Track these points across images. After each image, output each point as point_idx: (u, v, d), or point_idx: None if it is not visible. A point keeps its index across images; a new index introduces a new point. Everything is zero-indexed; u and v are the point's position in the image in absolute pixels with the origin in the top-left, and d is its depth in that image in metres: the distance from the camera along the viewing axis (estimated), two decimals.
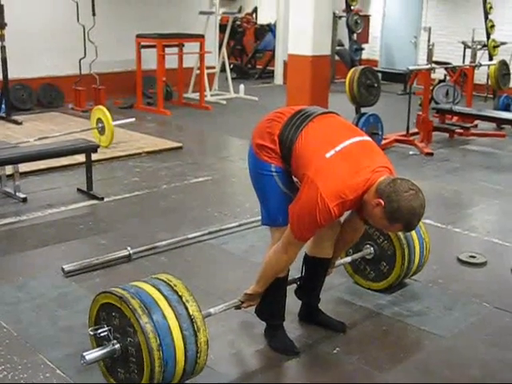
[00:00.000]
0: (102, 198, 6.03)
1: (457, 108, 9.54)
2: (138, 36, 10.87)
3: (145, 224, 5.46)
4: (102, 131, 7.86)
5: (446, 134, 9.40)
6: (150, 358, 2.77)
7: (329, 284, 3.84)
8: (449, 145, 9.02)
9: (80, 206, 5.89)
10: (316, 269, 3.67)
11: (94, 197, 6.06)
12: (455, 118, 9.84)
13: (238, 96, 12.54)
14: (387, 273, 4.14)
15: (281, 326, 3.56)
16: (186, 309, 2.90)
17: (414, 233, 4.06)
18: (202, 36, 11.43)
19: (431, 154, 8.21)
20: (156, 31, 10.97)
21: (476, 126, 9.85)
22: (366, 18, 14.94)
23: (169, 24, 11.92)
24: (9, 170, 6.07)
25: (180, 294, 2.95)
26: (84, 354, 2.90)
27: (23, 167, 6.28)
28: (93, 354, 2.94)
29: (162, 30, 11.16)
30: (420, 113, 8.98)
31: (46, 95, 10.96)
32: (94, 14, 10.22)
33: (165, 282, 3.03)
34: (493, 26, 11.64)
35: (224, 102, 11.94)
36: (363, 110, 8.11)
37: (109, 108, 8.31)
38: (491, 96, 12.02)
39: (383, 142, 8.30)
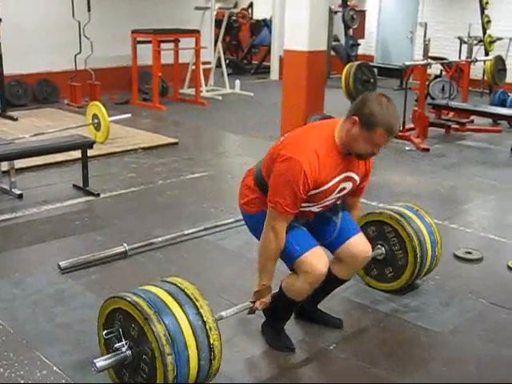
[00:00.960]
0: (98, 194, 6.02)
1: (453, 103, 9.55)
2: (134, 31, 10.84)
3: (141, 220, 5.46)
4: (97, 127, 7.84)
5: (442, 130, 9.41)
6: (164, 377, 2.73)
7: None
8: (445, 140, 9.03)
9: (76, 202, 5.89)
10: (330, 286, 3.62)
11: (89, 193, 6.05)
12: (451, 114, 9.84)
13: (234, 91, 12.52)
14: (389, 279, 4.12)
15: (280, 327, 3.57)
16: (200, 315, 2.86)
17: (427, 236, 4.03)
18: (198, 31, 11.41)
19: (427, 150, 8.21)
20: (151, 27, 10.94)
21: (472, 121, 9.86)
22: (362, 13, 14.95)
23: (164, 19, 11.90)
24: (4, 166, 6.06)
25: (193, 298, 2.90)
26: (95, 361, 2.85)
27: (19, 163, 6.27)
28: (103, 361, 2.88)
29: (157, 26, 11.13)
30: (416, 108, 8.99)
31: (42, 91, 10.94)
32: (89, 10, 10.20)
33: (177, 285, 2.97)
34: (489, 22, 11.66)
35: (220, 98, 11.93)
36: None
37: (104, 104, 8.30)
38: (487, 91, 12.03)
39: None
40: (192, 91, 11.71)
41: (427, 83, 10.82)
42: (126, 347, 2.89)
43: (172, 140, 8.29)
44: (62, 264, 4.39)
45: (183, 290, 2.93)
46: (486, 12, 11.63)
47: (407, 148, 8.33)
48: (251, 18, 17.13)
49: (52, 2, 10.82)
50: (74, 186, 6.24)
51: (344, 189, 3.22)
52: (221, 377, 3.22)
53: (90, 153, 6.33)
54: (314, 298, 3.68)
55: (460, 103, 9.88)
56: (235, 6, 16.79)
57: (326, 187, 3.10)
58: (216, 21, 13.70)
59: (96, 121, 7.85)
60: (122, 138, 8.19)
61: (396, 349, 3.56)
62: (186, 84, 12.19)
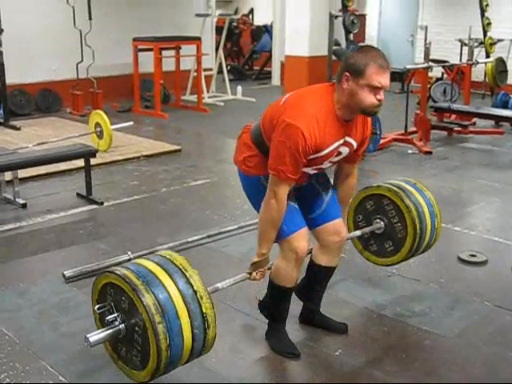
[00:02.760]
0: (102, 203, 6.02)
1: (455, 106, 9.54)
2: (135, 39, 10.86)
3: (144, 228, 5.46)
4: (100, 135, 7.85)
5: (445, 133, 9.40)
6: (158, 350, 2.69)
7: (329, 284, 3.83)
8: (447, 143, 9.02)
9: (79, 210, 5.89)
10: (319, 276, 3.67)
11: (93, 201, 6.05)
12: (453, 116, 9.83)
13: (236, 98, 12.54)
14: (389, 253, 4.01)
15: (282, 328, 3.56)
16: (193, 289, 2.81)
17: (426, 209, 3.93)
18: (199, 38, 11.42)
19: (430, 153, 8.21)
20: (152, 34, 10.96)
21: (474, 123, 9.86)
22: (363, 17, 14.94)
23: (165, 27, 11.93)
24: (8, 175, 6.07)
25: (195, 287, 2.82)
26: (88, 335, 2.82)
27: (22, 173, 6.28)
28: (97, 335, 2.86)
29: (158, 33, 11.15)
30: (418, 111, 8.98)
31: (44, 100, 10.96)
32: (90, 18, 10.22)
33: (180, 269, 2.90)
34: (489, 24, 11.64)
35: (222, 104, 11.94)
36: None
37: (107, 112, 8.32)
38: (489, 93, 12.02)
39: (381, 141, 8.29)
40: (194, 98, 11.72)
41: (429, 86, 10.82)
42: (118, 320, 2.87)
43: (174, 147, 8.30)
44: (67, 273, 4.39)
45: (172, 261, 2.90)
46: (486, 14, 11.62)
47: (410, 151, 8.33)
48: (252, 24, 17.15)
49: (53, 11, 10.83)
50: (78, 194, 6.25)
51: (340, 153, 3.24)
52: (224, 382, 3.23)
53: (92, 161, 6.35)
54: (310, 293, 3.73)
55: (462, 106, 9.87)
56: (236, 13, 16.81)
57: (325, 152, 3.13)
58: (217, 27, 13.72)
59: (98, 129, 7.86)
60: (124, 146, 8.20)
61: (401, 354, 3.56)
62: (187, 91, 12.21)
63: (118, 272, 2.84)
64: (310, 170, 3.29)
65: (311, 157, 3.11)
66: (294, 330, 3.66)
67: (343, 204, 3.62)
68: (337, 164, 3.44)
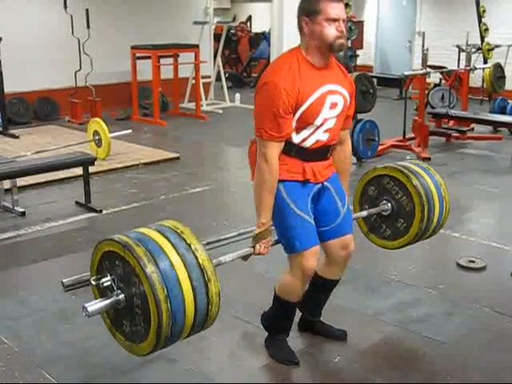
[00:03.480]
0: (101, 211, 6.03)
1: (453, 112, 9.55)
2: (133, 47, 10.88)
3: None
4: (98, 143, 7.86)
5: (443, 139, 9.42)
6: (158, 310, 2.55)
7: None
8: (446, 149, 9.03)
9: (78, 218, 5.89)
10: (322, 288, 3.65)
11: (92, 209, 6.06)
12: (451, 122, 9.85)
13: (234, 105, 12.56)
14: (404, 231, 3.82)
15: (283, 338, 3.56)
16: (196, 258, 2.68)
17: (434, 190, 3.79)
18: (197, 46, 11.45)
19: (428, 159, 8.21)
20: (151, 42, 10.98)
21: (472, 129, 9.86)
22: (360, 23, 14.97)
23: (163, 35, 11.94)
24: (7, 184, 6.08)
25: (188, 241, 2.72)
26: (86, 305, 2.69)
27: (21, 181, 6.29)
28: (95, 305, 2.73)
29: (156, 41, 11.17)
30: (416, 117, 8.99)
31: (43, 108, 10.97)
32: (88, 27, 10.23)
33: (172, 229, 2.79)
34: (487, 29, 11.67)
35: (220, 112, 11.96)
36: (359, 116, 8.11)
37: (105, 120, 8.31)
38: (487, 99, 12.05)
39: (380, 147, 8.30)
40: (192, 105, 11.74)
41: (427, 92, 10.84)
42: (116, 289, 2.75)
43: (173, 155, 8.30)
44: (66, 281, 4.35)
45: (174, 230, 2.78)
46: (483, 20, 11.65)
47: (408, 157, 8.32)
48: (250, 32, 17.18)
49: (51, 19, 10.85)
50: (77, 202, 6.26)
51: (336, 104, 3.19)
52: None
53: (91, 169, 6.35)
54: (311, 304, 3.72)
55: (460, 111, 9.89)
56: (234, 20, 16.86)
57: (310, 101, 3.09)
58: (215, 35, 13.74)
59: (97, 137, 7.87)
60: (123, 154, 8.21)
61: (401, 360, 3.56)
62: (186, 98, 12.23)
63: (118, 240, 2.72)
64: (322, 135, 3.19)
65: (300, 111, 3.08)
66: (293, 337, 3.65)
67: (343, 175, 3.53)
68: None
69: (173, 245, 2.68)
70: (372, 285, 4.49)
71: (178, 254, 2.66)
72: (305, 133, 3.15)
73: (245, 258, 3.27)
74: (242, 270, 4.70)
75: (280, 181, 3.18)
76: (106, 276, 2.78)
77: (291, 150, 3.16)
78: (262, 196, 3.15)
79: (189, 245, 2.70)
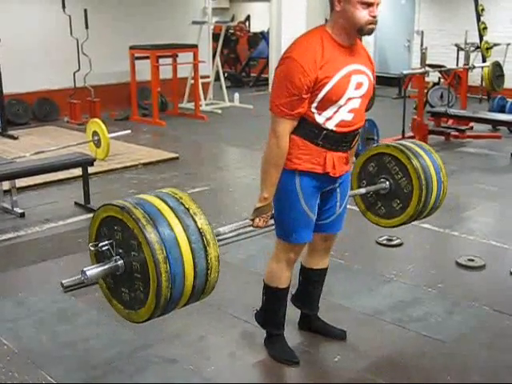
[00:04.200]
0: None
1: (452, 111, 9.56)
2: (132, 48, 10.89)
3: None
4: (98, 144, 7.86)
5: (442, 137, 9.41)
6: (157, 271, 2.51)
7: (327, 291, 3.84)
8: (445, 148, 9.03)
9: (78, 219, 5.89)
10: (313, 279, 3.68)
11: (91, 210, 6.04)
12: (450, 121, 9.84)
13: (233, 105, 12.56)
14: (399, 211, 3.81)
15: (281, 335, 3.56)
16: (195, 221, 2.64)
17: (434, 173, 3.77)
18: (196, 46, 11.45)
19: None
20: (149, 42, 10.99)
21: (471, 128, 9.85)
22: None
23: (162, 35, 11.93)
24: (6, 185, 6.08)
25: (187, 206, 2.68)
26: (85, 269, 2.64)
27: (20, 182, 6.29)
28: (94, 269, 2.67)
29: (155, 41, 11.17)
30: (415, 116, 8.99)
31: (42, 109, 10.97)
32: (86, 27, 10.23)
33: (170, 194, 2.76)
34: (485, 28, 11.69)
35: (219, 111, 11.96)
36: None
37: (104, 120, 8.32)
38: (486, 97, 12.06)
39: None
40: (191, 105, 11.74)
41: (426, 91, 10.84)
42: (115, 255, 2.70)
43: (172, 155, 8.30)
44: (65, 282, 4.36)
45: (177, 198, 2.72)
46: (482, 19, 11.66)
47: None
48: (248, 31, 17.19)
49: (50, 20, 10.85)
50: (76, 203, 6.26)
51: (361, 84, 3.14)
52: None
53: (90, 170, 6.35)
54: (306, 298, 3.73)
55: (459, 110, 9.89)
56: (232, 20, 16.87)
57: (334, 81, 3.03)
58: (213, 35, 13.75)
59: (96, 138, 7.86)
60: (122, 155, 8.21)
61: (400, 359, 3.56)
62: (185, 98, 12.23)
63: (117, 203, 2.68)
64: (346, 113, 3.13)
65: (324, 91, 3.02)
66: (292, 336, 3.66)
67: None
68: None
69: (171, 208, 2.65)
70: (371, 284, 4.49)
71: (177, 217, 2.63)
72: (328, 112, 3.09)
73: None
74: (241, 271, 4.71)
75: (298, 172, 3.16)
76: (104, 241, 2.73)
77: (318, 137, 3.11)
78: (268, 171, 3.14)
79: (187, 209, 2.67)
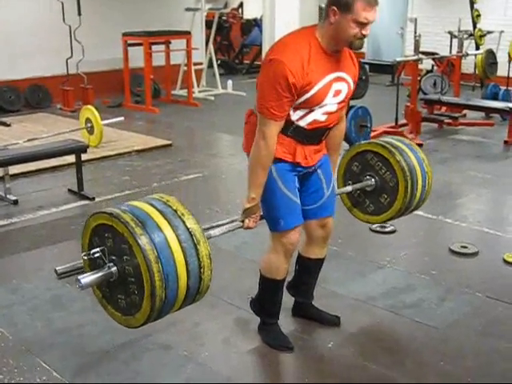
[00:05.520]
0: (93, 198, 6.02)
1: (445, 98, 9.57)
2: (125, 34, 10.83)
3: None
4: (91, 131, 7.84)
5: (435, 125, 9.42)
6: (149, 271, 2.54)
7: (321, 278, 3.84)
8: (438, 135, 9.04)
9: (71, 206, 5.89)
10: (309, 269, 3.69)
11: (84, 197, 6.05)
12: (443, 108, 9.86)
13: (226, 92, 12.53)
14: (387, 206, 3.84)
15: (275, 322, 3.57)
16: (183, 222, 2.68)
17: (417, 165, 3.80)
18: (189, 32, 11.41)
19: (420, 145, 8.21)
20: (142, 29, 10.94)
21: (464, 115, 9.88)
22: None
23: (155, 21, 11.88)
24: None
25: (174, 207, 2.73)
26: (79, 277, 2.67)
27: (13, 169, 6.27)
28: (88, 277, 2.70)
29: (148, 28, 11.12)
30: (408, 104, 8.99)
31: (34, 96, 10.92)
32: (79, 14, 10.18)
33: (157, 198, 2.82)
34: (479, 16, 11.68)
35: (212, 98, 11.94)
36: (351, 102, 8.11)
37: (97, 107, 8.29)
38: (479, 85, 12.06)
39: (372, 133, 8.31)
40: (184, 92, 11.72)
41: (419, 78, 10.84)
42: (108, 261, 2.72)
43: (165, 142, 8.29)
44: (59, 269, 4.35)
45: (166, 203, 2.77)
46: (475, 6, 11.65)
47: None
48: (241, 18, 17.13)
49: (42, 6, 10.79)
50: (69, 190, 6.25)
51: (340, 91, 3.18)
52: (217, 376, 3.25)
53: (83, 157, 6.34)
54: (301, 287, 3.75)
55: (452, 98, 9.90)
56: (225, 7, 16.78)
57: (317, 88, 3.07)
58: (206, 21, 13.67)
59: (89, 125, 7.84)
60: (115, 142, 8.19)
61: (394, 345, 3.58)
62: (178, 85, 12.20)
63: (105, 210, 2.72)
64: (321, 116, 3.17)
65: (307, 96, 3.05)
66: (286, 322, 3.67)
67: (335, 152, 3.57)
68: None
69: (159, 211, 2.69)
70: (365, 271, 4.51)
71: (165, 218, 2.66)
72: (302, 112, 3.13)
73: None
74: (235, 257, 4.72)
75: (273, 160, 3.18)
76: (96, 248, 2.76)
77: (288, 129, 3.15)
78: (256, 172, 3.15)
79: (175, 210, 2.70)
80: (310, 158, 3.27)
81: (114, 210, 2.68)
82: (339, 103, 3.22)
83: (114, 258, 2.71)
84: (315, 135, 3.25)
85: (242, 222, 3.25)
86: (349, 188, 3.80)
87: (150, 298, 2.58)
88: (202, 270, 2.68)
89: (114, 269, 2.70)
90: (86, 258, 2.79)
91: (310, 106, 3.11)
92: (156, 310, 2.62)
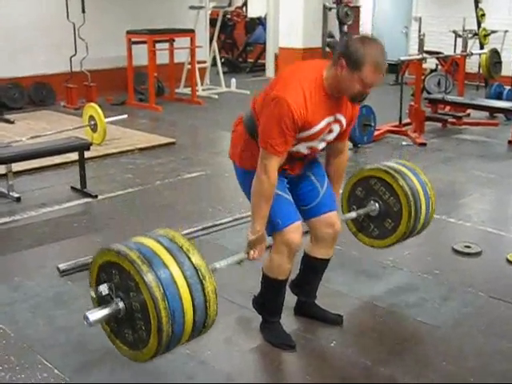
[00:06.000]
0: (96, 196, 6.02)
1: (449, 97, 9.55)
2: (129, 32, 10.82)
3: (139, 221, 5.46)
4: (94, 128, 7.84)
5: (439, 124, 9.41)
6: (156, 308, 2.61)
7: (324, 277, 3.83)
8: (442, 134, 9.03)
9: (74, 204, 5.88)
10: (314, 269, 3.68)
11: (87, 195, 6.04)
12: (447, 108, 9.83)
13: (230, 90, 12.51)
14: (392, 230, 3.91)
15: (277, 321, 3.57)
16: (189, 258, 2.75)
17: (420, 189, 3.87)
18: (193, 31, 11.41)
19: (424, 145, 8.22)
20: (146, 27, 10.92)
21: (468, 115, 9.86)
22: (357, 9, 14.93)
23: (159, 19, 11.88)
24: (2, 169, 6.07)
25: (180, 244, 2.79)
26: (87, 313, 2.73)
27: (16, 166, 6.25)
28: (96, 313, 2.77)
29: (152, 26, 11.10)
30: (412, 103, 8.98)
31: (38, 93, 10.91)
32: (83, 11, 10.19)
33: (163, 235, 2.87)
34: (483, 15, 11.65)
35: (216, 97, 11.93)
36: None
37: (101, 105, 8.30)
38: (483, 85, 12.03)
39: (376, 133, 8.30)
40: (188, 91, 11.70)
41: (423, 78, 10.81)
42: (115, 297, 2.79)
43: (169, 140, 8.28)
44: (62, 267, 4.39)
45: (172, 240, 2.82)
46: (480, 5, 11.62)
47: (404, 143, 8.33)
48: (246, 17, 17.12)
49: (46, 3, 10.80)
50: (72, 188, 6.24)
51: (331, 131, 3.25)
52: (220, 374, 3.24)
53: (87, 154, 6.34)
54: (305, 286, 3.74)
55: (456, 97, 9.88)
56: (229, 5, 16.78)
57: (315, 129, 3.13)
58: (210, 20, 13.68)
59: (92, 122, 7.84)
60: (118, 139, 8.18)
61: (396, 345, 3.57)
62: (181, 83, 12.19)
63: (112, 248, 2.77)
64: (304, 149, 3.27)
65: (302, 134, 3.13)
66: (289, 321, 3.66)
67: (336, 183, 3.62)
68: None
69: (165, 248, 2.76)
70: (368, 270, 4.50)
71: (171, 255, 2.73)
72: (300, 145, 3.24)
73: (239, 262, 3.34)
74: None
75: None
76: (104, 284, 2.83)
77: None
78: (260, 206, 3.20)
79: (181, 247, 2.77)
80: (297, 169, 3.39)
81: (120, 248, 2.75)
82: (327, 142, 3.31)
83: (121, 294, 2.78)
84: (294, 159, 3.34)
85: (248, 253, 3.30)
86: (353, 214, 3.89)
87: (157, 333, 2.65)
88: (207, 305, 2.74)
89: (121, 305, 2.77)
90: (93, 294, 2.86)
91: (300, 142, 3.20)
92: (163, 345, 2.70)
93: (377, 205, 3.90)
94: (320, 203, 3.46)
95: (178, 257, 2.73)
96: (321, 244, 3.56)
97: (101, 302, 2.86)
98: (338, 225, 3.52)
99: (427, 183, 3.94)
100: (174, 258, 2.72)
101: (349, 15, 14.22)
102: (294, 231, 3.29)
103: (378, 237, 3.98)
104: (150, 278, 2.62)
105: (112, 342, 2.95)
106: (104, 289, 2.81)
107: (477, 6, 11.54)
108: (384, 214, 3.91)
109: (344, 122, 3.28)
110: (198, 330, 2.80)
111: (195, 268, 2.72)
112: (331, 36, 14.54)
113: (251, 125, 3.27)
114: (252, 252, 3.28)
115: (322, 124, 3.15)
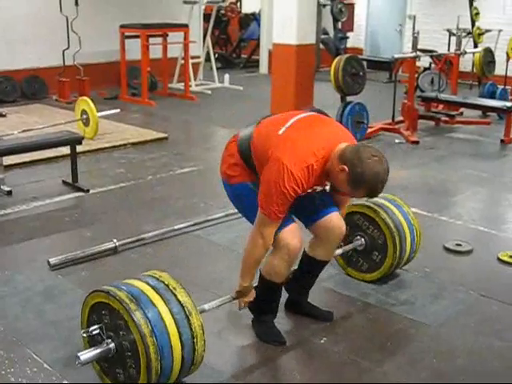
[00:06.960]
0: (88, 190, 6.00)
1: (442, 96, 9.55)
2: (122, 26, 10.78)
3: (131, 216, 5.45)
4: (86, 123, 7.82)
5: (432, 122, 9.42)
6: (144, 345, 2.71)
7: None
8: (434, 133, 9.04)
9: (65, 198, 5.86)
10: (312, 269, 3.68)
11: (79, 189, 6.03)
12: (441, 106, 9.85)
13: (223, 86, 12.50)
14: (380, 262, 4.09)
15: (270, 319, 3.57)
16: (175, 295, 2.88)
17: (403, 220, 4.06)
18: (186, 26, 11.38)
19: (417, 143, 8.22)
20: (140, 21, 10.89)
21: (461, 113, 9.88)
22: (351, 6, 14.94)
23: (153, 14, 11.85)
24: None
25: (166, 282, 2.93)
26: (79, 354, 2.85)
27: (8, 160, 6.24)
28: (87, 353, 2.88)
29: (145, 20, 11.06)
30: (405, 101, 8.98)
31: (30, 87, 10.87)
32: (76, 4, 10.15)
33: (150, 275, 3.02)
34: (477, 14, 11.67)
35: (209, 92, 11.90)
36: (348, 98, 8.10)
37: (93, 99, 8.28)
38: (476, 83, 12.05)
39: (369, 130, 8.30)
40: (181, 86, 11.68)
41: (416, 76, 10.82)
42: (106, 338, 2.90)
43: (161, 135, 8.27)
44: (52, 261, 4.37)
45: (160, 280, 2.96)
46: (474, 4, 11.63)
47: (397, 141, 8.34)
48: (240, 12, 17.09)
49: None
50: (64, 182, 6.22)
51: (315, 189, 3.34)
52: (210, 370, 3.23)
53: (79, 149, 6.32)
54: (300, 285, 3.75)
55: (449, 95, 9.88)
56: (224, 0, 16.74)
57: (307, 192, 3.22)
58: (204, 15, 13.66)
59: (85, 116, 7.82)
60: (111, 134, 8.16)
61: (386, 342, 3.57)
62: (175, 79, 12.16)
63: (102, 289, 2.91)
64: None
65: None
66: (279, 317, 3.65)
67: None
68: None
69: (152, 287, 2.91)
70: None
71: (158, 293, 2.88)
72: None
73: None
74: (229, 252, 4.70)
75: (248, 181, 3.31)
76: (94, 325, 2.96)
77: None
78: (249, 265, 3.31)
79: (167, 285, 2.92)
80: None
81: (110, 289, 2.89)
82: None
83: (111, 334, 2.90)
84: None
85: (234, 299, 3.44)
86: (339, 251, 4.04)
87: (146, 370, 2.76)
88: (195, 341, 2.87)
89: (112, 345, 2.90)
90: (84, 335, 2.97)
91: None
92: (152, 382, 2.78)
93: (362, 240, 4.12)
94: (319, 207, 3.45)
95: (164, 295, 2.88)
96: (324, 246, 3.54)
97: (91, 342, 2.98)
98: (343, 225, 3.49)
99: (409, 213, 4.17)
100: (161, 296, 2.87)
101: (343, 12, 14.24)
102: (291, 234, 3.25)
103: (368, 270, 4.19)
104: (138, 315, 2.75)
105: (101, 380, 3.06)
106: (95, 330, 2.92)
107: (471, 5, 11.56)
108: (370, 247, 4.12)
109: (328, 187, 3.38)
110: (186, 367, 2.91)
111: (181, 305, 2.88)
112: (325, 33, 14.58)
113: (245, 151, 3.28)
114: (240, 302, 3.47)
115: (313, 188, 3.25)
